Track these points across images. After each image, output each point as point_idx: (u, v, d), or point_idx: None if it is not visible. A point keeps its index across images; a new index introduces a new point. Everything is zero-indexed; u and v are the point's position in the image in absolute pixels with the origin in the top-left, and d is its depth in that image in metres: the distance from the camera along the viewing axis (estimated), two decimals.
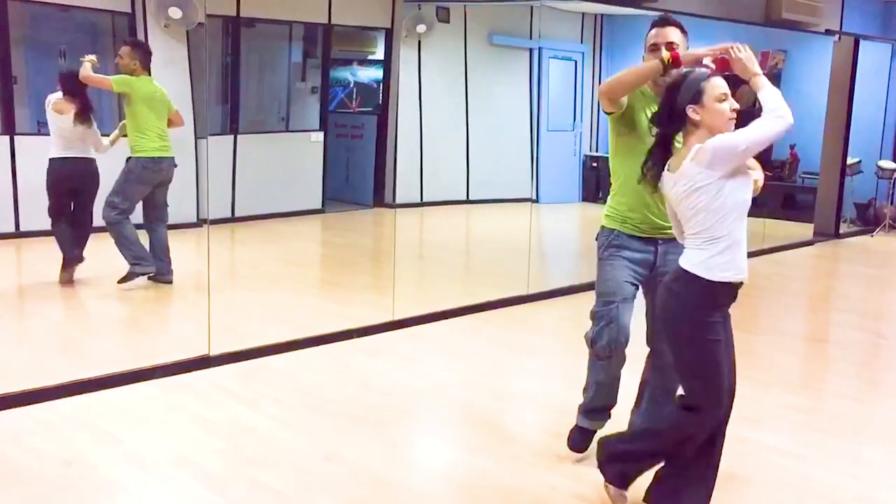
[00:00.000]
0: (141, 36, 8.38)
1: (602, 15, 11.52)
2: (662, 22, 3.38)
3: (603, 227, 3.50)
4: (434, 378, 4.71)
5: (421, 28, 10.20)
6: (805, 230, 10.00)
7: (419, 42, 10.59)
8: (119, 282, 6.07)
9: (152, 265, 6.15)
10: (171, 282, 6.35)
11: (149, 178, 6.16)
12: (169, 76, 8.49)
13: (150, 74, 6.22)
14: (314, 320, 5.68)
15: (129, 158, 6.12)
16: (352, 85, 12.35)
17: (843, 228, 10.45)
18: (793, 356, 5.49)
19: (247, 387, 4.43)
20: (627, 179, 3.32)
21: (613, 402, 3.61)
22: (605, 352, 3.41)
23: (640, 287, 3.46)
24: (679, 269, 2.89)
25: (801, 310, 7.09)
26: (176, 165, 6.36)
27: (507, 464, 3.58)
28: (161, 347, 4.97)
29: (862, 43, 10.11)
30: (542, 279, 7.07)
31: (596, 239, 3.53)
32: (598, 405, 3.59)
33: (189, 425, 3.91)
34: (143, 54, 6.19)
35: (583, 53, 12.16)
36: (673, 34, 3.32)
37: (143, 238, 6.25)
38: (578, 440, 3.63)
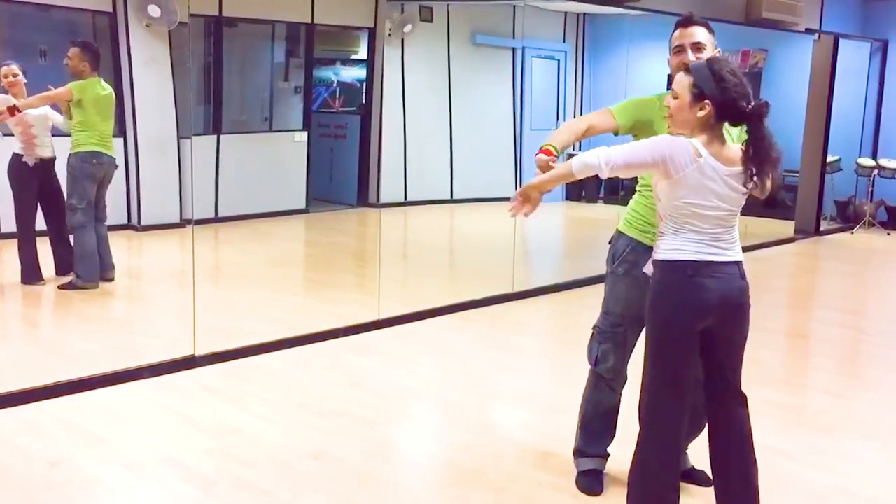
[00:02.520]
0: (122, 36, 8.36)
1: (584, 14, 11.55)
2: (686, 21, 3.12)
3: (620, 232, 3.24)
4: (420, 376, 4.72)
5: (408, 28, 10.23)
6: (786, 228, 10.09)
7: (402, 42, 10.60)
8: (60, 287, 6.12)
9: (96, 282, 6.15)
10: (112, 279, 6.38)
11: (92, 172, 6.13)
12: (151, 76, 8.48)
13: (98, 75, 6.19)
14: (300, 319, 5.68)
15: (69, 156, 6.10)
16: (335, 84, 12.33)
17: (824, 226, 10.56)
18: (775, 353, 5.54)
19: (233, 386, 4.42)
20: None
21: (612, 432, 3.38)
22: (610, 374, 3.26)
23: None
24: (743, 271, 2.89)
25: (782, 307, 7.15)
26: (117, 166, 6.37)
27: (494, 461, 3.60)
28: (147, 348, 4.96)
29: (841, 42, 10.21)
30: (526, 278, 7.10)
31: (609, 242, 3.29)
32: (594, 428, 3.37)
33: (175, 425, 3.91)
34: (93, 56, 6.14)
35: (565, 53, 12.19)
36: (700, 34, 3.09)
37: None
38: (588, 482, 3.34)
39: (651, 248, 3.01)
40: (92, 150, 6.10)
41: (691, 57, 3.03)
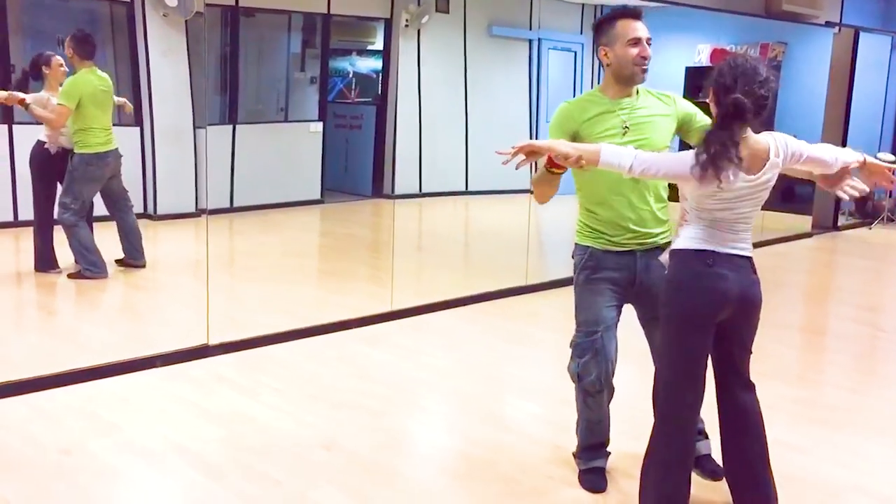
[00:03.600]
0: (139, 26, 8.37)
1: (602, 6, 11.48)
2: (637, 14, 3.13)
3: (576, 244, 3.28)
4: (432, 368, 4.72)
5: (424, 19, 10.19)
6: (803, 222, 10.01)
7: (418, 32, 10.57)
8: (69, 276, 6.13)
9: (105, 272, 6.14)
10: (143, 266, 6.41)
11: (96, 175, 6.12)
12: (167, 66, 8.49)
13: (93, 64, 6.15)
14: (313, 310, 5.68)
15: (72, 156, 6.08)
16: (351, 75, 12.32)
17: (842, 221, 10.46)
18: (791, 348, 5.50)
19: (245, 376, 4.43)
20: (595, 189, 3.15)
21: (607, 439, 3.38)
22: (595, 386, 3.19)
23: (625, 305, 3.23)
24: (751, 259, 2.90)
25: (799, 302, 7.10)
26: (121, 156, 6.33)
27: (505, 453, 3.59)
28: (160, 337, 4.97)
29: (862, 35, 10.10)
30: (540, 270, 7.07)
31: (571, 257, 3.31)
32: (594, 442, 3.37)
33: (187, 414, 3.92)
34: (80, 44, 6.09)
35: (582, 45, 12.13)
36: (645, 28, 3.11)
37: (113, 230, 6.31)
38: (593, 480, 3.33)
39: (607, 252, 3.14)
40: (96, 150, 6.08)
41: (648, 50, 3.09)
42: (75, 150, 6.07)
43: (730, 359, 2.97)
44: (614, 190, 3.11)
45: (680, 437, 2.91)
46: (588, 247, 3.21)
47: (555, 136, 3.13)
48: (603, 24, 3.16)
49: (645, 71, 3.12)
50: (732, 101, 2.68)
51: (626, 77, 3.12)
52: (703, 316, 2.84)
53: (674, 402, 2.91)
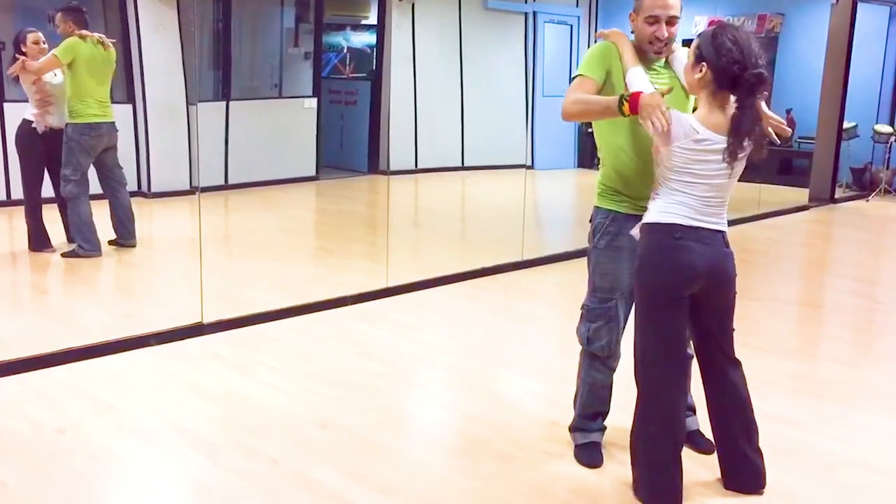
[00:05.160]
0: (130, 1, 8.29)
1: None
2: None
3: (596, 207, 3.19)
4: (429, 345, 4.70)
5: None
6: (800, 195, 9.99)
7: (413, 6, 10.49)
8: (63, 255, 6.13)
9: (99, 251, 6.13)
10: (134, 245, 6.40)
11: (90, 145, 6.09)
12: (159, 41, 8.42)
13: (91, 32, 6.09)
14: (308, 287, 5.66)
15: (66, 125, 6.05)
16: (345, 50, 12.23)
17: (839, 193, 10.44)
18: (787, 322, 5.49)
19: (241, 354, 4.42)
20: (620, 150, 3.08)
21: (607, 408, 3.34)
22: (604, 352, 3.19)
23: None
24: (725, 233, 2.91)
25: (795, 275, 7.09)
26: (117, 130, 6.30)
27: (502, 430, 3.58)
28: (155, 315, 4.95)
29: (860, 6, 10.01)
30: (536, 246, 7.05)
31: (590, 221, 3.23)
32: (595, 411, 3.32)
33: (183, 393, 3.90)
34: (74, 14, 6.06)
35: (578, 18, 12.06)
36: (677, 6, 3.01)
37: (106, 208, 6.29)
38: (589, 455, 3.29)
39: (629, 216, 3.07)
40: (89, 121, 6.04)
41: (664, 32, 3.01)
42: (70, 121, 6.03)
43: (709, 336, 2.98)
44: (641, 152, 3.04)
45: (664, 414, 2.92)
46: (610, 210, 3.14)
47: (592, 68, 3.07)
48: None
49: (659, 52, 3.06)
50: (757, 76, 2.68)
51: (640, 50, 3.06)
52: (670, 290, 2.85)
53: (652, 379, 2.93)
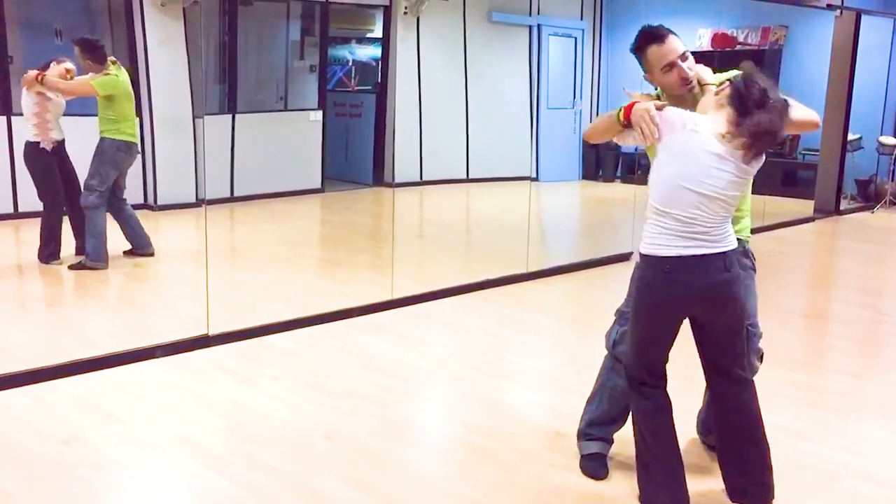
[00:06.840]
0: (137, 15, 8.34)
1: None
2: (660, 37, 3.02)
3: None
4: (433, 356, 4.71)
5: (424, 5, 10.15)
6: (805, 207, 9.98)
7: (418, 20, 10.53)
8: (70, 267, 6.15)
9: (105, 264, 6.16)
10: (152, 254, 6.51)
11: (122, 161, 6.20)
12: (166, 55, 8.47)
13: (114, 61, 6.20)
14: (314, 299, 5.68)
15: (102, 140, 6.11)
16: (350, 63, 12.29)
17: (844, 205, 10.43)
18: (793, 333, 5.48)
19: (246, 366, 4.43)
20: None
21: (622, 418, 3.29)
22: None
23: None
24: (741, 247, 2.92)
25: (801, 286, 7.08)
26: (139, 151, 6.48)
27: (507, 441, 3.58)
28: (160, 327, 4.97)
29: (864, 17, 10.04)
30: (541, 258, 7.06)
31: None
32: (612, 415, 3.31)
33: (188, 404, 3.91)
34: (90, 50, 6.13)
35: (582, 30, 12.10)
36: (677, 43, 3.02)
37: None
38: (593, 467, 3.29)
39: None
40: (127, 140, 6.18)
41: (685, 69, 3.02)
42: (108, 136, 6.10)
43: (710, 356, 2.96)
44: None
45: (655, 428, 2.94)
46: None
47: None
48: (635, 53, 3.09)
49: (691, 88, 3.06)
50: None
51: (677, 97, 3.05)
52: (659, 319, 2.88)
53: (639, 393, 2.96)
